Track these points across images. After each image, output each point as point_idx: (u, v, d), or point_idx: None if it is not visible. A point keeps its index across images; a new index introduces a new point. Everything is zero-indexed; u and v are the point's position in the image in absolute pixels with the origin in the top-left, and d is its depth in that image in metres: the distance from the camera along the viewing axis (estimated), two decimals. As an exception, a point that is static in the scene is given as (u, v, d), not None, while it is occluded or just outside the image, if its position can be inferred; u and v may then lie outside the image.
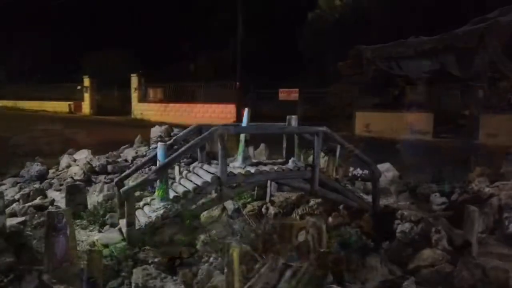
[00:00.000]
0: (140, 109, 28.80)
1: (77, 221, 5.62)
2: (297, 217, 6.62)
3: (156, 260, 4.18)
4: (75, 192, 5.82)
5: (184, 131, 5.75)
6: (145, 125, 23.69)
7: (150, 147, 7.95)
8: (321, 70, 19.17)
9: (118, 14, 28.09)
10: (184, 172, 5.65)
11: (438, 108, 18.06)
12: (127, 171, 5.82)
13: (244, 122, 5.75)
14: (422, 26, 15.92)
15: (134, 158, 8.12)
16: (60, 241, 4.04)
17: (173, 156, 4.80)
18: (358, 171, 8.32)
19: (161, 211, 4.79)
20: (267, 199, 6.70)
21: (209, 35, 22.91)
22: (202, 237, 3.89)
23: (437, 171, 7.33)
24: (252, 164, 5.63)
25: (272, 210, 6.67)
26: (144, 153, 8.37)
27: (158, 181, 4.90)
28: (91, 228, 5.52)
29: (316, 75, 19.54)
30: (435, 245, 4.72)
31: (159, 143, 5.03)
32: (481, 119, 16.97)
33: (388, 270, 4.00)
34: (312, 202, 6.58)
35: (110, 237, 5.02)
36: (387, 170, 8.08)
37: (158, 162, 4.95)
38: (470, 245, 4.61)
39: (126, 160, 8.21)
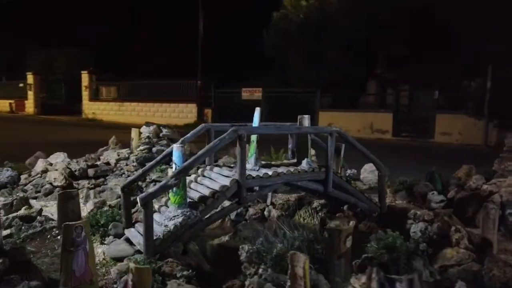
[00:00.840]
0: (91, 109, 27.35)
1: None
2: (301, 219, 6.52)
3: (185, 273, 3.83)
4: (67, 200, 5.24)
5: (192, 131, 5.39)
6: (103, 125, 22.55)
7: (138, 149, 7.43)
8: (285, 70, 19.24)
9: (69, 10, 26.44)
10: (193, 176, 5.29)
11: (397, 109, 18.83)
12: (133, 176, 5.35)
13: (256, 122, 5.51)
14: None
15: (117, 161, 7.54)
16: (79, 258, 3.58)
17: (193, 158, 4.44)
18: (347, 171, 8.35)
19: (180, 219, 4.42)
20: (268, 201, 6.51)
21: (169, 31, 22.16)
22: (246, 247, 3.60)
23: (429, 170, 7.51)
24: (264, 166, 5.41)
25: (274, 213, 6.49)
26: (127, 156, 7.83)
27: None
28: (92, 240, 4.98)
29: (280, 74, 19.58)
30: (455, 244, 4.76)
31: (175, 145, 4.65)
32: (436, 118, 17.93)
33: (429, 272, 3.96)
34: (315, 204, 6.48)
35: (120, 249, 4.56)
36: (376, 169, 8.16)
37: (174, 165, 4.57)
38: (490, 243, 4.71)
39: (107, 163, 7.62)
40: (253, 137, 5.39)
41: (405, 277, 2.18)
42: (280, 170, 5.13)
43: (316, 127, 5.99)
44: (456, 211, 6.16)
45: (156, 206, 5.05)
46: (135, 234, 4.69)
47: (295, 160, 5.91)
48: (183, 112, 23.73)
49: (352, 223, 3.81)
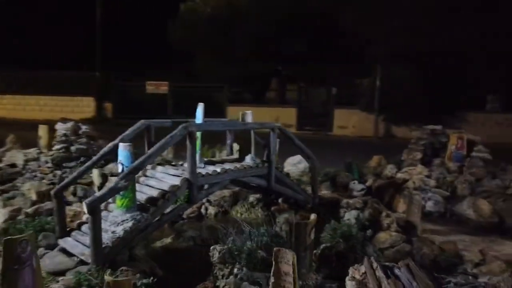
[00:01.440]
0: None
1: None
2: (238, 214, 6.55)
3: (144, 281, 3.60)
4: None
5: (131, 128, 5.00)
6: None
7: (54, 148, 6.63)
8: (193, 64, 18.94)
9: None
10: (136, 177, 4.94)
11: (300, 104, 19.88)
12: (67, 179, 4.76)
13: (199, 118, 5.36)
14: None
15: (26, 163, 6.66)
16: (26, 277, 3.12)
17: (144, 157, 4.14)
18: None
19: (129, 223, 4.12)
20: (203, 198, 6.42)
21: (66, 18, 20.12)
22: (217, 247, 3.48)
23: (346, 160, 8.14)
24: (208, 163, 5.32)
25: (212, 210, 6.44)
26: (37, 156, 6.97)
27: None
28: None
29: (187, 68, 19.22)
30: (387, 228, 5.27)
31: (122, 144, 4.27)
32: (334, 113, 19.41)
33: (377, 256, 4.32)
34: (251, 198, 6.58)
35: (58, 262, 4.07)
36: (299, 162, 8.57)
37: (121, 166, 4.22)
38: (414, 225, 5.31)
39: (13, 165, 6.69)
40: (198, 134, 5.24)
41: (402, 262, 2.36)
42: (227, 166, 5.09)
43: (260, 122, 6.05)
44: (375, 197, 6.78)
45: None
46: (74, 243, 4.24)
47: (236, 156, 5.92)
48: (79, 107, 21.83)
49: (313, 215, 3.95)
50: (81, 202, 6.04)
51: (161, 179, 4.73)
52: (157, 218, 4.37)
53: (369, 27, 17.23)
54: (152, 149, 4.28)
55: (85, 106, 21.71)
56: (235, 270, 3.28)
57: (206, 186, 4.89)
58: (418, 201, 5.22)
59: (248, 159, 5.43)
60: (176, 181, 4.55)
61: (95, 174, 6.14)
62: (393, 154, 8.33)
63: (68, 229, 4.50)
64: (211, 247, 3.54)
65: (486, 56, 16.19)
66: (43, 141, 7.25)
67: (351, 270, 2.67)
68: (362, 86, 18.81)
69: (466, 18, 15.59)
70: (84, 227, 4.43)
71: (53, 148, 6.59)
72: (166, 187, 4.52)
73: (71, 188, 6.35)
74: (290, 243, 3.68)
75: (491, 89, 17.96)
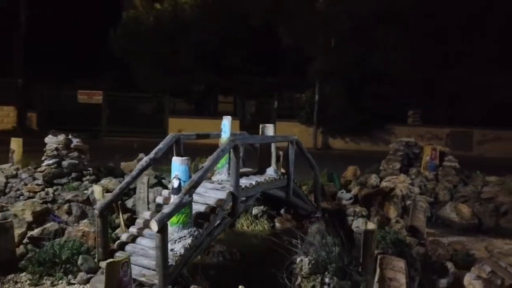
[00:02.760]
0: None
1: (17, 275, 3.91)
2: (244, 227, 6.56)
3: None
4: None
5: (163, 142, 4.79)
6: None
7: (45, 164, 5.95)
8: (133, 73, 18.20)
9: None
10: (167, 192, 4.74)
11: (244, 116, 20.18)
12: (110, 197, 4.38)
13: (227, 131, 5.32)
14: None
15: (7, 181, 5.91)
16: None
17: (202, 171, 4.03)
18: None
19: (188, 240, 3.98)
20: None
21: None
22: (305, 260, 3.51)
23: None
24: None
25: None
26: (15, 173, 6.25)
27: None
28: (52, 282, 3.92)
29: (127, 77, 18.41)
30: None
31: (179, 158, 4.08)
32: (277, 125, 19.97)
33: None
34: (255, 211, 6.63)
35: (112, 286, 3.76)
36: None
37: (177, 181, 4.03)
38: (417, 229, 5.84)
39: (-11, 184, 5.91)
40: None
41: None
42: (259, 180, 5.13)
43: (283, 135, 6.15)
44: (363, 206, 7.27)
45: (133, 230, 4.37)
46: (124, 265, 3.95)
47: (249, 169, 5.93)
48: (-4, 116, 19.57)
49: (372, 224, 4.20)
50: (77, 221, 5.59)
51: (203, 193, 4.61)
52: (208, 233, 4.27)
53: (308, 44, 18.28)
54: (207, 163, 4.19)
55: (5, 116, 19.52)
56: (327, 280, 3.39)
57: (243, 199, 4.88)
58: (422, 207, 5.78)
59: (272, 172, 5.53)
60: (221, 195, 4.50)
61: (97, 191, 5.70)
62: (332, 163, 8.89)
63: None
64: (298, 259, 3.59)
65: (408, 75, 18.10)
66: (16, 156, 6.52)
67: (475, 271, 2.96)
68: (302, 100, 19.73)
69: (389, 42, 17.33)
70: (129, 247, 4.16)
71: (44, 164, 5.95)
72: (211, 202, 4.45)
73: (65, 206, 5.83)
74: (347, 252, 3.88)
75: (412, 104, 20.05)
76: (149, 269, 3.84)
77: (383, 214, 6.09)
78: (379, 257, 3.13)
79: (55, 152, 5.94)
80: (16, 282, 3.90)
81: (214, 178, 5.15)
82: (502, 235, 6.19)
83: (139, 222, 4.47)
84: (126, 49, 17.40)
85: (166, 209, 3.70)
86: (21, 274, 3.95)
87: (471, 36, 17.26)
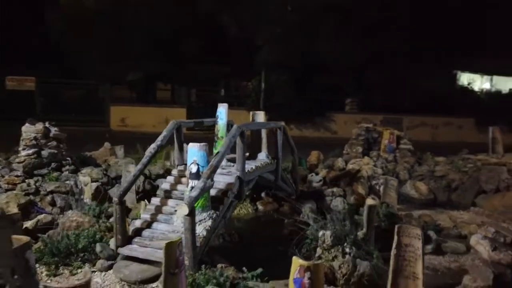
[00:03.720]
0: None
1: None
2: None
3: (253, 273, 3.77)
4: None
5: (167, 129, 4.80)
6: None
7: (24, 153, 5.54)
8: (72, 59, 17.14)
9: None
10: (172, 178, 4.80)
11: (189, 104, 20.02)
12: (125, 185, 4.30)
13: (224, 118, 5.45)
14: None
15: (-20, 172, 5.48)
16: (182, 280, 3.03)
17: (220, 156, 4.16)
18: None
19: (209, 222, 4.13)
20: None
21: None
22: (327, 233, 3.83)
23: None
24: (231, 160, 5.49)
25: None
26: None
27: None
28: (71, 271, 3.84)
29: (66, 63, 17.30)
30: (373, 209, 6.32)
31: (197, 144, 4.15)
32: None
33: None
34: (239, 195, 6.86)
35: (140, 270, 3.82)
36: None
37: (195, 166, 4.12)
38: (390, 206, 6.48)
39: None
40: (223, 133, 5.37)
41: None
42: (254, 164, 5.36)
43: (274, 122, 6.37)
44: (331, 186, 7.81)
45: (146, 216, 4.41)
46: (146, 250, 4.04)
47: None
48: None
49: (372, 200, 4.65)
50: (62, 212, 5.41)
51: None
52: (222, 215, 4.44)
53: (255, 34, 18.62)
54: (223, 148, 4.34)
55: None
56: (347, 250, 3.77)
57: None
58: (393, 185, 6.42)
59: (264, 156, 5.79)
60: (229, 180, 4.68)
61: (84, 180, 5.53)
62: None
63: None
64: (320, 233, 3.91)
65: (346, 66, 19.25)
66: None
67: (482, 231, 3.49)
68: (248, 88, 20.05)
69: (329, 35, 18.30)
70: (147, 232, 4.22)
71: (22, 154, 5.57)
72: (222, 186, 4.61)
73: (49, 197, 5.59)
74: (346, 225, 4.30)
75: (349, 93, 21.34)
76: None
77: (359, 193, 6.65)
78: (396, 226, 3.58)
79: (34, 142, 5.60)
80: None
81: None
82: (455, 208, 7.08)
83: (150, 208, 4.51)
84: (64, 33, 16.32)
85: (193, 193, 3.82)
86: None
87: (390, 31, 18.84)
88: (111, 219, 5.18)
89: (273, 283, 3.69)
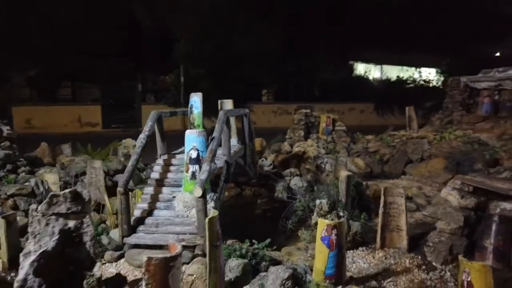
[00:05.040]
0: None
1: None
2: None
3: (261, 244, 4.10)
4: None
5: (150, 119, 4.76)
6: None
7: None
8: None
9: None
10: (159, 167, 4.84)
11: (104, 102, 19.03)
12: (127, 174, 4.16)
13: (199, 107, 5.57)
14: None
15: None
16: (221, 252, 3.25)
17: (216, 142, 4.33)
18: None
19: (212, 204, 4.32)
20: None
21: None
22: (323, 201, 4.25)
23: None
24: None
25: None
26: None
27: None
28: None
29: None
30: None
31: (195, 131, 4.22)
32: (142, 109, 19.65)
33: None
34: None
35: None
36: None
37: (195, 151, 4.24)
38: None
39: None
40: (199, 122, 5.50)
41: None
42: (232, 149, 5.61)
43: (238, 109, 6.55)
44: (282, 168, 8.38)
45: (143, 205, 4.44)
46: (154, 236, 4.10)
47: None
48: None
49: (346, 173, 5.20)
50: (27, 216, 5.10)
51: (201, 164, 4.89)
52: (218, 196, 4.65)
53: (171, 27, 18.42)
54: (216, 134, 4.52)
55: None
56: (341, 214, 4.29)
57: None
58: (343, 161, 7.20)
59: (235, 142, 6.05)
60: (219, 164, 4.88)
61: (51, 179, 5.24)
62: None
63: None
64: (317, 201, 4.35)
65: (262, 59, 20.12)
66: None
67: (451, 184, 4.21)
68: (167, 82, 19.76)
69: (246, 28, 18.97)
70: (150, 220, 4.27)
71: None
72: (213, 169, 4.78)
73: (10, 201, 5.18)
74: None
75: (265, 84, 22.29)
76: (185, 234, 4.07)
77: (314, 171, 7.29)
78: (382, 188, 4.20)
79: (-12, 140, 5.10)
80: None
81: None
82: (390, 177, 8.15)
83: (145, 197, 4.53)
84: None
85: (202, 176, 3.98)
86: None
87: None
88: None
89: (285, 249, 4.05)
